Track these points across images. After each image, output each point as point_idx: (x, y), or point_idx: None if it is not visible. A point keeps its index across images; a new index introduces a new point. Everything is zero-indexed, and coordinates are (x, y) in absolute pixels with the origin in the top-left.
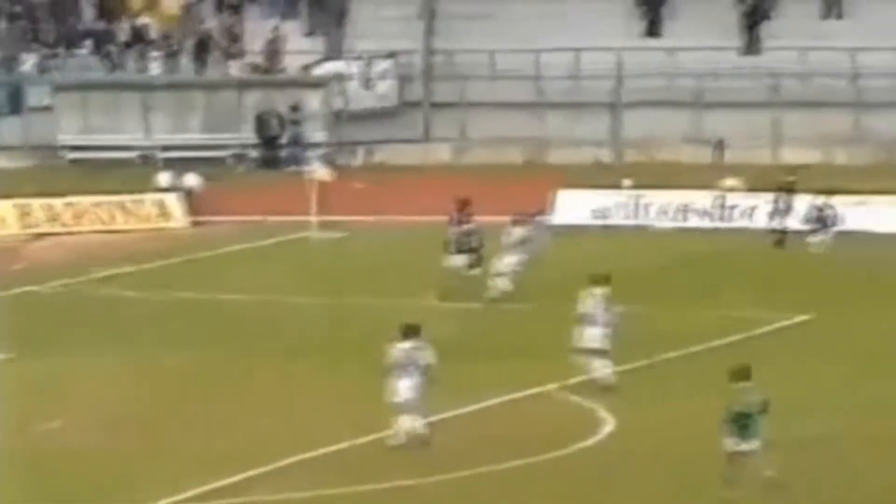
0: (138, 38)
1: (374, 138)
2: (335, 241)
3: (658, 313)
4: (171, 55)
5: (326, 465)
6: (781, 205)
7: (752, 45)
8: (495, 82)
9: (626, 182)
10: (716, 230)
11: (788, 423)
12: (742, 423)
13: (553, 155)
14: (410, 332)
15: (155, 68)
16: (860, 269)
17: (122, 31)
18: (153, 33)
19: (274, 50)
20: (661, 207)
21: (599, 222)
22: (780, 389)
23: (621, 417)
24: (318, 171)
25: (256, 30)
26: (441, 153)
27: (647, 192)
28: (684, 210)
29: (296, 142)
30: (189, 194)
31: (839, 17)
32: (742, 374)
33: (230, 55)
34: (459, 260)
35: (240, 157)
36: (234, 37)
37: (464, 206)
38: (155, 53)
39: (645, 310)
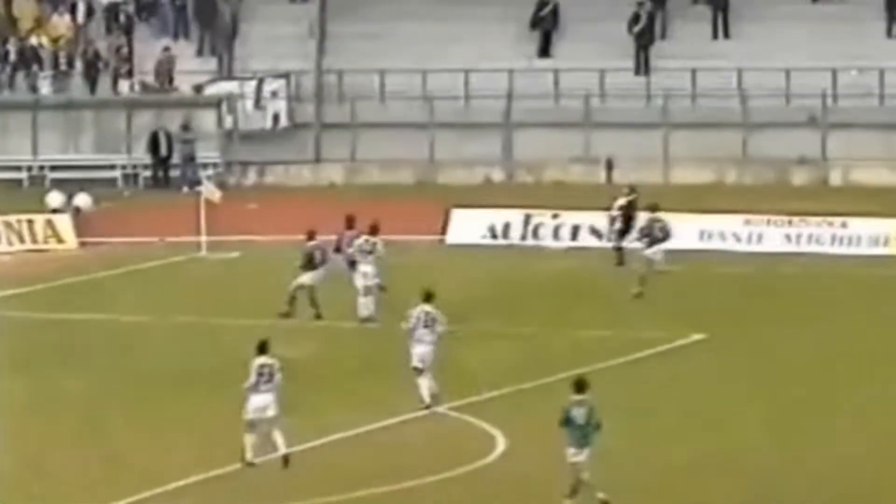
0: (28, 57)
1: (265, 159)
2: (226, 261)
3: (553, 333)
4: (62, 75)
5: (219, 486)
6: (620, 224)
7: (642, 66)
8: (386, 102)
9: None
10: (607, 250)
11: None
12: (579, 433)
13: (444, 175)
14: (265, 347)
15: (45, 88)
16: (737, 287)
17: (12, 50)
18: (43, 53)
19: (165, 69)
20: (553, 227)
21: (492, 242)
22: (691, 405)
23: (514, 437)
24: (208, 192)
25: (147, 49)
26: (332, 173)
27: (538, 212)
28: (576, 230)
29: (187, 161)
30: (77, 214)
31: (727, 37)
32: (578, 386)
33: (121, 75)
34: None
35: (129, 179)
36: (125, 57)
37: (350, 224)
38: (45, 73)
39: (539, 330)
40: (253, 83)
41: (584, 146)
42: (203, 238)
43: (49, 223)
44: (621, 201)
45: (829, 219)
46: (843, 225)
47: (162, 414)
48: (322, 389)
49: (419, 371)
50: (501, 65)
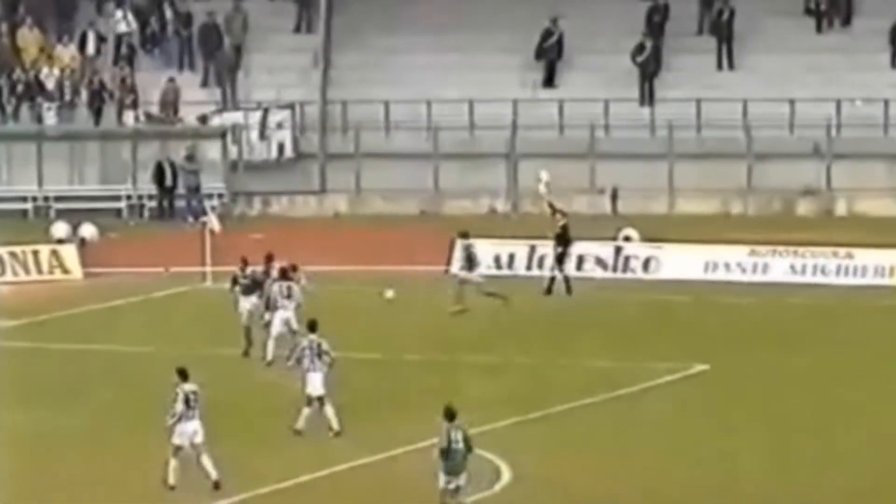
0: (33, 88)
1: (270, 189)
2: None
3: (557, 364)
4: (66, 106)
5: None
6: (559, 249)
7: (647, 97)
8: (390, 133)
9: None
10: (613, 280)
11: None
12: (449, 460)
13: (448, 206)
14: (186, 374)
15: (49, 118)
16: (742, 318)
17: (17, 81)
18: (48, 84)
19: (170, 100)
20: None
21: (497, 272)
22: (694, 436)
23: (518, 468)
24: (211, 222)
25: (152, 80)
26: (337, 203)
27: (543, 243)
28: (581, 260)
29: (191, 192)
30: (83, 245)
31: (731, 67)
32: (449, 413)
33: (126, 106)
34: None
35: (134, 209)
36: (130, 87)
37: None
38: (49, 104)
39: (544, 361)
40: (258, 114)
41: (588, 177)
42: (208, 268)
43: (54, 253)
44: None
45: (835, 249)
46: (849, 255)
47: (165, 445)
48: (325, 420)
49: (311, 401)
50: (506, 95)
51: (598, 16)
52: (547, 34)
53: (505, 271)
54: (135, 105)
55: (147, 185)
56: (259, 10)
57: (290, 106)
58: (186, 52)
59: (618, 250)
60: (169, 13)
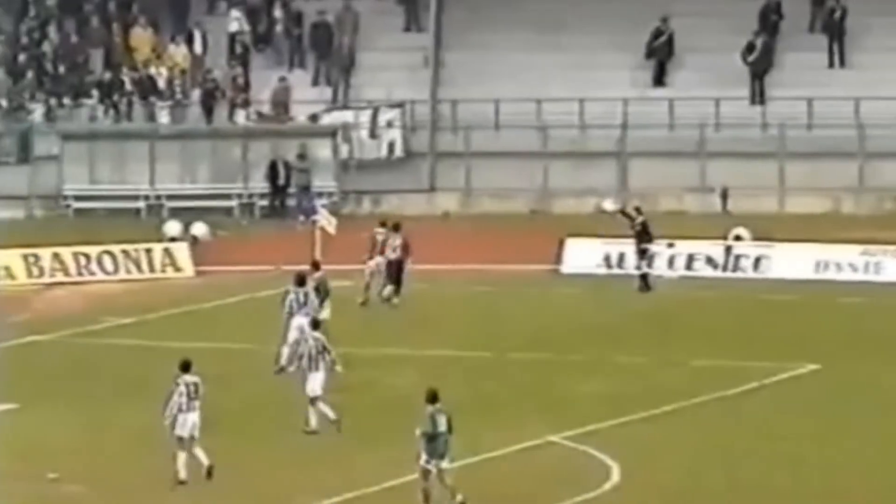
0: (145, 87)
1: (380, 188)
2: (340, 289)
3: (665, 363)
4: (179, 105)
5: None
6: (642, 246)
7: (757, 95)
8: (500, 131)
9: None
10: (723, 279)
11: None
12: (433, 442)
13: (558, 204)
14: (188, 366)
15: (162, 118)
16: (853, 318)
17: (130, 80)
18: (160, 83)
19: (281, 99)
20: (668, 257)
21: (608, 271)
22: (801, 437)
23: (627, 468)
24: (324, 221)
25: (263, 79)
26: (447, 202)
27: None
28: (691, 259)
29: (302, 191)
30: (195, 243)
31: (843, 65)
32: (432, 396)
33: (237, 105)
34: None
35: (245, 208)
36: (241, 86)
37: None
38: (162, 103)
39: (652, 360)
40: (368, 112)
41: (699, 176)
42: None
43: (167, 252)
44: (635, 223)
45: None
46: None
47: (274, 441)
48: None
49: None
50: (616, 94)
51: (709, 14)
52: (657, 33)
53: (615, 270)
54: (246, 104)
55: (258, 184)
56: (369, 9)
57: (401, 105)
58: (297, 52)
59: (728, 249)
60: (280, 12)
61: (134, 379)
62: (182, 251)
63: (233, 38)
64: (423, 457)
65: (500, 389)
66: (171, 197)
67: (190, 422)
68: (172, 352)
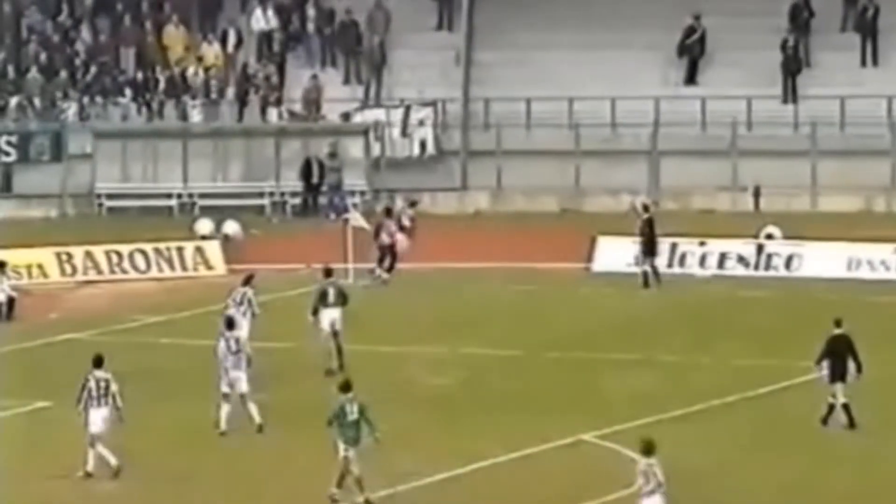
0: (178, 85)
1: (412, 186)
2: (372, 288)
3: (697, 361)
4: (211, 103)
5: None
6: (646, 243)
7: (790, 94)
8: (531, 130)
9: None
10: (755, 278)
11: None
12: (346, 430)
13: (589, 203)
14: (100, 362)
15: (195, 116)
16: (886, 316)
17: (162, 79)
18: (194, 82)
19: (313, 98)
20: (700, 255)
21: (638, 270)
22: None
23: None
24: (355, 220)
25: (296, 78)
26: (478, 201)
27: (684, 240)
28: (723, 258)
29: (334, 189)
30: (227, 241)
31: (876, 64)
32: (345, 386)
33: (269, 103)
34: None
35: (277, 206)
36: (274, 85)
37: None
38: (194, 101)
39: (683, 358)
40: (400, 111)
41: (731, 174)
42: (350, 265)
43: (199, 250)
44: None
45: None
46: None
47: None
48: (465, 417)
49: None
50: (648, 92)
51: (741, 13)
52: (689, 31)
53: (648, 268)
54: (278, 102)
55: (290, 183)
56: (400, 7)
57: (432, 103)
58: (329, 50)
59: (760, 248)
60: (311, 11)
61: (166, 377)
62: (214, 249)
63: (266, 36)
64: (341, 446)
65: (533, 387)
66: (203, 195)
67: (96, 418)
68: (204, 350)
